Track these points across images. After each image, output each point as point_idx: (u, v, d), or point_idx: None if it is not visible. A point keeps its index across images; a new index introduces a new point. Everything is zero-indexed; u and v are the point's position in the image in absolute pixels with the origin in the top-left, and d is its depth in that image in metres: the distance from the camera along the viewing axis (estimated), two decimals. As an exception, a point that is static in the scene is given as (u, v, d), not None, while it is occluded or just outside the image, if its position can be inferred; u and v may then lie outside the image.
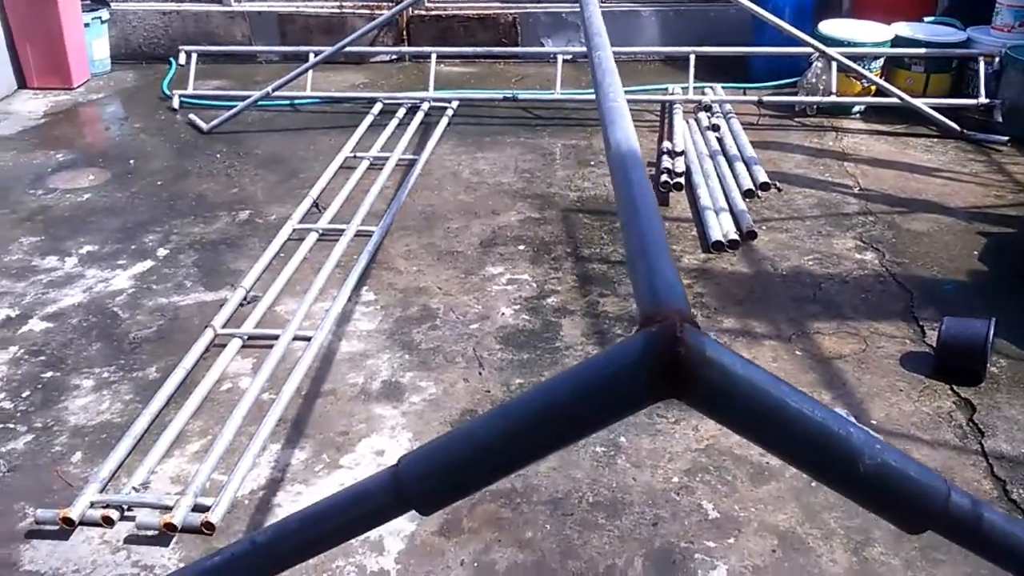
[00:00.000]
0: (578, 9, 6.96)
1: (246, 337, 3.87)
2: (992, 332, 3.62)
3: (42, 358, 3.79)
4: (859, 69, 5.95)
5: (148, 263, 4.50)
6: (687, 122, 6.05)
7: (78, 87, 6.87)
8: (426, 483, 1.06)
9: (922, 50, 6.24)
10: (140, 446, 3.26)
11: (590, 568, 2.81)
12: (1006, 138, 5.84)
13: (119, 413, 3.47)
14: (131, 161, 5.68)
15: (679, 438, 3.32)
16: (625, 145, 1.68)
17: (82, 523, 2.93)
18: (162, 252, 4.60)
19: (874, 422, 3.41)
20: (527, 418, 1.03)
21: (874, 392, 3.57)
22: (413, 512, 1.10)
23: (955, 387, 3.59)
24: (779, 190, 5.22)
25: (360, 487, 1.09)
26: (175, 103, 6.49)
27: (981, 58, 6.09)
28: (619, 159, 1.61)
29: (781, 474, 3.15)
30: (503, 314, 4.07)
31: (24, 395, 3.57)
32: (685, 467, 3.20)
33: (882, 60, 6.30)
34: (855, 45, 6.19)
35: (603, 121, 1.87)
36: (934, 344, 3.76)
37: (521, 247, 4.64)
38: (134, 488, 3.05)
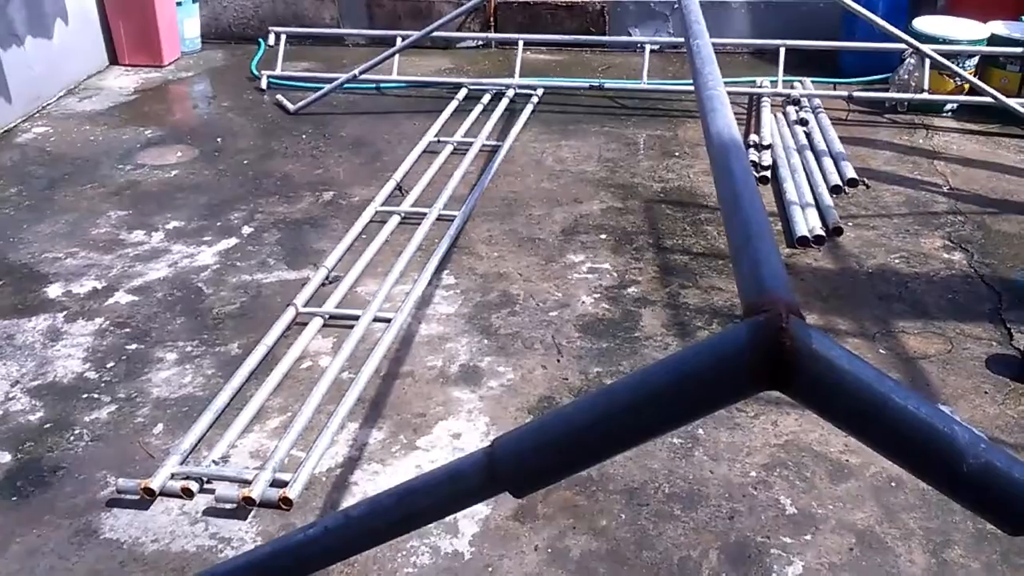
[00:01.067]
0: (667, -1, 6.83)
1: (327, 317, 3.88)
2: None
3: (127, 330, 3.85)
4: (953, 67, 5.81)
5: (233, 240, 4.55)
6: (775, 116, 5.92)
7: (168, 65, 6.99)
8: (521, 465, 1.04)
9: (1019, 49, 6.06)
10: (221, 420, 3.30)
11: (664, 559, 2.77)
12: None
13: (201, 387, 3.51)
14: (218, 139, 5.76)
15: (758, 432, 3.26)
16: (726, 133, 1.64)
17: (162, 494, 2.97)
18: (247, 230, 4.65)
19: (958, 425, 3.31)
20: (626, 402, 1.01)
21: (959, 393, 3.48)
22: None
23: (1042, 392, 3.50)
24: (867, 187, 5.09)
25: (454, 466, 1.07)
26: (263, 83, 6.57)
27: (1079, 60, 5.88)
28: (720, 148, 1.57)
29: (861, 472, 3.08)
30: (583, 302, 4.03)
31: (109, 366, 3.63)
32: (763, 462, 3.14)
33: (977, 58, 6.13)
34: (950, 42, 6.03)
35: (702, 109, 1.83)
36: (1022, 348, 3.68)
37: (603, 236, 4.58)
38: (214, 461, 3.08)
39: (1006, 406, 3.42)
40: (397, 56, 6.27)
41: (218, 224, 4.71)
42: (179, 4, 7.06)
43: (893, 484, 3.02)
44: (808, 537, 2.84)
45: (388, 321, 3.81)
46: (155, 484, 2.94)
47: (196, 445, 3.17)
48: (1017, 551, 2.77)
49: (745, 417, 3.32)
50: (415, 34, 6.14)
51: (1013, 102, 5.74)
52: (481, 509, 2.92)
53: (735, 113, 5.81)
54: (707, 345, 0.98)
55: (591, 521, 2.90)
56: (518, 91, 6.35)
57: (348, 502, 2.98)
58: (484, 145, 5.54)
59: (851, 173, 5.10)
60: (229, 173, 5.29)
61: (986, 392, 3.49)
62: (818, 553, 2.79)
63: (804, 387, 0.94)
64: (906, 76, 6.04)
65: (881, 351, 3.72)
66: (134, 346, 3.75)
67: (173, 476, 3.00)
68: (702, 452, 3.17)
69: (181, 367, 3.62)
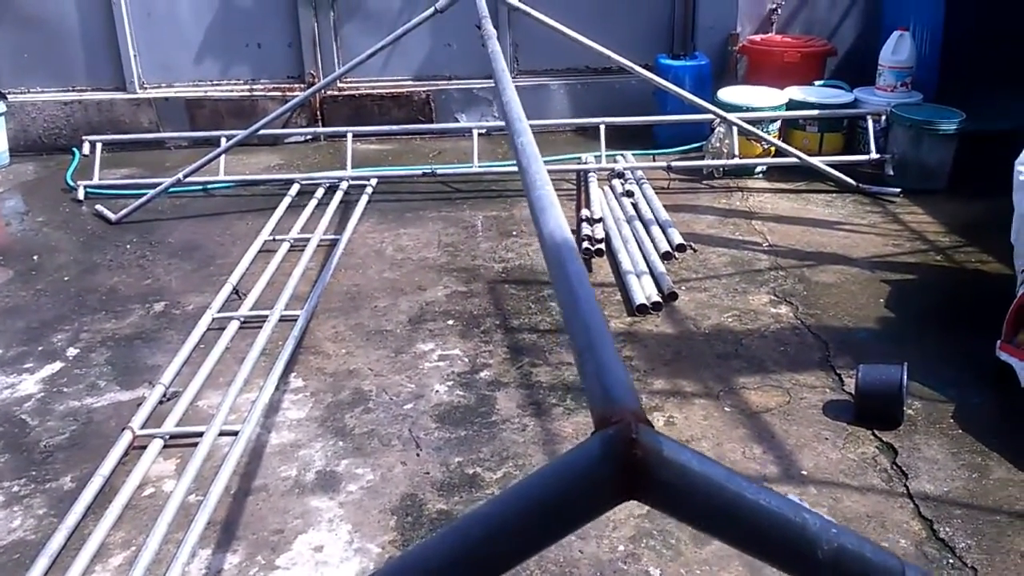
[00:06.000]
0: (490, 84, 6.96)
1: (168, 436, 3.66)
2: (905, 376, 3.70)
3: (-56, 474, 3.52)
4: (758, 132, 6.21)
5: (57, 364, 4.26)
6: (602, 189, 6.09)
7: (-25, 183, 6.60)
8: None
9: (815, 112, 6.54)
10: (58, 564, 3.02)
11: (548, 656, 2.69)
12: (898, 190, 6.08)
13: (32, 529, 3.22)
14: (35, 257, 5.43)
15: (622, 504, 3.22)
16: (559, 234, 1.65)
17: (-6, 656, 2.69)
18: (72, 352, 4.37)
19: (804, 472, 3.43)
20: (483, 534, 0.99)
21: (802, 443, 3.60)
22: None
23: (876, 432, 3.66)
24: (694, 251, 5.28)
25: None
26: (80, 194, 6.27)
27: (869, 117, 6.36)
28: (554, 251, 1.58)
29: (725, 534, 3.09)
30: (437, 391, 3.95)
31: (-75, 517, 3.30)
32: (630, 534, 3.13)
33: (779, 122, 6.54)
34: (753, 110, 6.42)
35: (533, 210, 1.85)
36: (853, 392, 3.83)
37: (450, 322, 4.54)
38: (52, 611, 2.82)
39: (847, 450, 3.55)
40: (223, 156, 6.12)
41: (39, 348, 4.40)
42: (-18, 118, 6.71)
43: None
44: (683, 607, 2.83)
45: (235, 434, 3.62)
46: (-15, 647, 2.66)
47: (30, 596, 2.89)
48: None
49: (610, 492, 3.30)
50: (240, 133, 6.03)
51: (815, 160, 6.18)
52: (351, 625, 2.77)
53: (565, 189, 5.93)
54: (561, 464, 0.97)
55: (467, 622, 2.79)
56: (352, 183, 6.30)
57: (206, 637, 2.77)
58: (322, 240, 5.44)
59: (678, 239, 5.28)
60: (48, 292, 4.98)
61: (827, 438, 3.62)
62: (694, 622, 2.78)
63: (659, 495, 0.97)
64: (717, 144, 6.38)
65: (726, 409, 3.80)
66: (-48, 492, 3.42)
67: (6, 635, 2.73)
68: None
69: (8, 510, 3.32)
